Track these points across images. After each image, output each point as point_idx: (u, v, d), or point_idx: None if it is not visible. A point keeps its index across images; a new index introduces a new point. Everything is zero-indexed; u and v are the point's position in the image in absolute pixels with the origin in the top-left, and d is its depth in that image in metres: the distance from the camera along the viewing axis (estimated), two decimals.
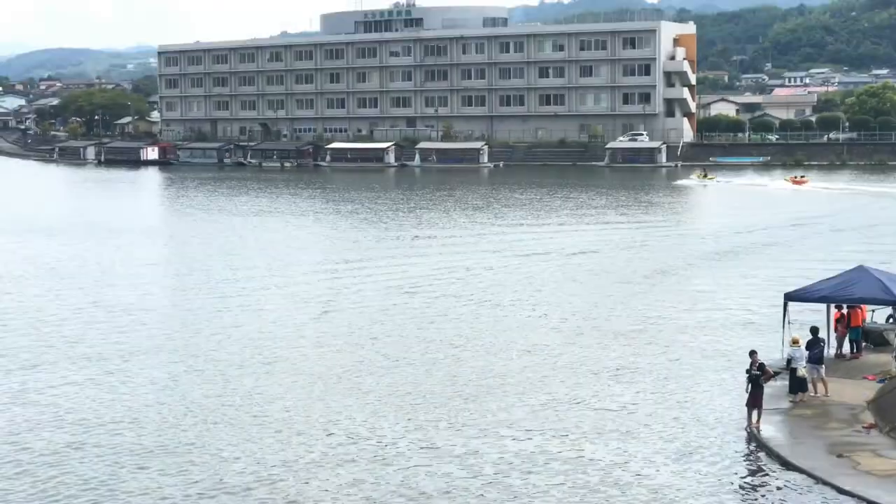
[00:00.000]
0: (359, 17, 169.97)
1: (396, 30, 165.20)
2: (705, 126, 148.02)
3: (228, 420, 28.75)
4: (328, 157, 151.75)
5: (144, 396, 31.21)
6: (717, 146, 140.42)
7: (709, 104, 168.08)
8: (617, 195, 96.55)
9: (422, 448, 26.22)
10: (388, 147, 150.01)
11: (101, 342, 38.13)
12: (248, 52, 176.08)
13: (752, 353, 27.38)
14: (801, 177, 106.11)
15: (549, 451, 25.87)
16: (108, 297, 47.53)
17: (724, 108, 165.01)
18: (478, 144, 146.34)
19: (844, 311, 33.26)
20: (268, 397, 30.86)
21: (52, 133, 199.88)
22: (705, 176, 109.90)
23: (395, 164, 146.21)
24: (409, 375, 33.10)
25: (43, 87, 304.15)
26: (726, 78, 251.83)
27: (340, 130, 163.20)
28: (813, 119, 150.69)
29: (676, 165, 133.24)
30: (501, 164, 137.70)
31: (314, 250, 63.20)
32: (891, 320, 35.69)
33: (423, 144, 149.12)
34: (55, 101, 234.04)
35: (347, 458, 25.63)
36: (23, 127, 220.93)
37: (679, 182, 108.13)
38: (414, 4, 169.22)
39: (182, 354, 36.24)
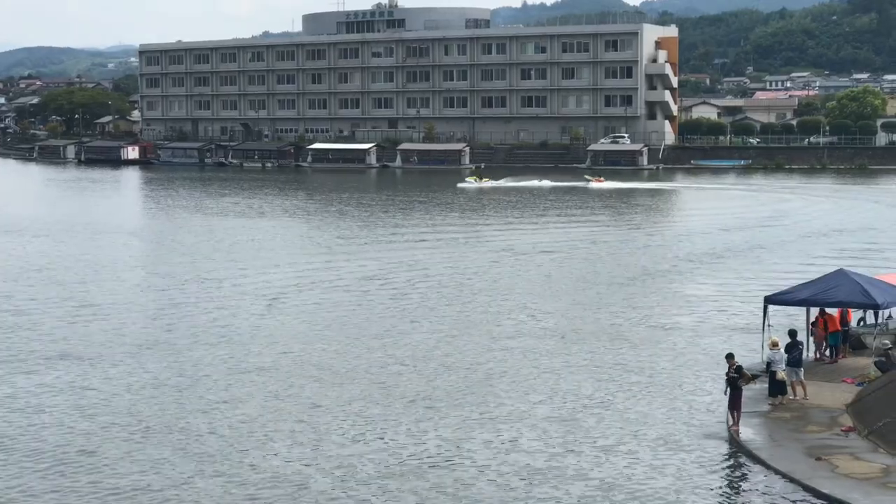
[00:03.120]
0: (341, 17, 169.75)
1: (378, 31, 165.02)
2: (687, 129, 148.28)
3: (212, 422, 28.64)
4: (310, 158, 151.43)
5: (120, 396, 31.05)
6: (698, 149, 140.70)
7: (690, 107, 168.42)
8: (599, 197, 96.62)
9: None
10: (369, 148, 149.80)
11: (82, 342, 37.92)
12: (229, 51, 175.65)
13: (729, 357, 27.42)
14: (599, 178, 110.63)
15: (523, 450, 25.82)
16: (88, 296, 47.30)
17: (705, 112, 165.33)
18: (459, 146, 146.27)
19: (834, 313, 33.28)
20: (241, 395, 30.77)
21: (32, 132, 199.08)
22: (480, 178, 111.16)
23: (377, 165, 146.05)
24: (404, 376, 33.06)
25: (23, 86, 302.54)
26: (708, 81, 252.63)
27: (322, 131, 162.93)
28: (794, 123, 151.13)
29: (658, 168, 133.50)
30: (483, 165, 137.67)
31: (292, 250, 63.04)
32: (861, 323, 35.77)
33: (404, 146, 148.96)
34: (35, 100, 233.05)
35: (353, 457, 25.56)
36: (2, 125, 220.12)
37: (460, 185, 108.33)
38: (396, 5, 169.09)
39: (160, 353, 36.08)
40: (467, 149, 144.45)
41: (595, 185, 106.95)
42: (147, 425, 28.27)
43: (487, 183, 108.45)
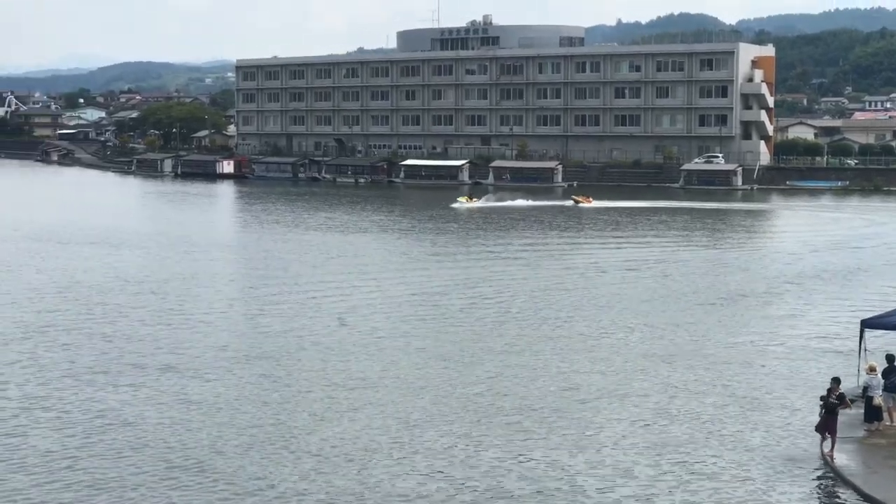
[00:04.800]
0: (435, 34, 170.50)
1: (473, 48, 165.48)
2: (782, 149, 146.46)
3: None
4: (402, 174, 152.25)
5: (223, 410, 31.50)
6: (794, 170, 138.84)
7: (786, 127, 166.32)
8: (693, 217, 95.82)
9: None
10: (462, 165, 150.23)
11: (177, 355, 38.52)
12: (324, 67, 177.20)
13: (835, 381, 27.01)
14: (587, 197, 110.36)
15: (618, 468, 25.77)
16: (186, 309, 48.04)
17: (802, 132, 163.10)
18: (552, 164, 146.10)
19: None
20: (343, 408, 31.05)
21: (131, 145, 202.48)
22: (471, 198, 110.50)
23: (469, 181, 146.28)
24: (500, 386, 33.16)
25: (123, 100, 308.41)
26: (805, 101, 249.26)
27: (415, 147, 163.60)
28: (893, 144, 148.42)
29: (752, 188, 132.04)
30: (575, 183, 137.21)
31: (387, 264, 63.33)
32: None
33: (497, 163, 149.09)
34: (134, 114, 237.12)
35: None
36: (102, 139, 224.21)
37: (453, 205, 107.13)
38: (491, 23, 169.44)
39: (259, 366, 36.52)
40: (560, 167, 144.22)
41: (585, 205, 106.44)
42: (251, 440, 28.60)
43: (476, 203, 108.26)
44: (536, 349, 39.56)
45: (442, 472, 26.07)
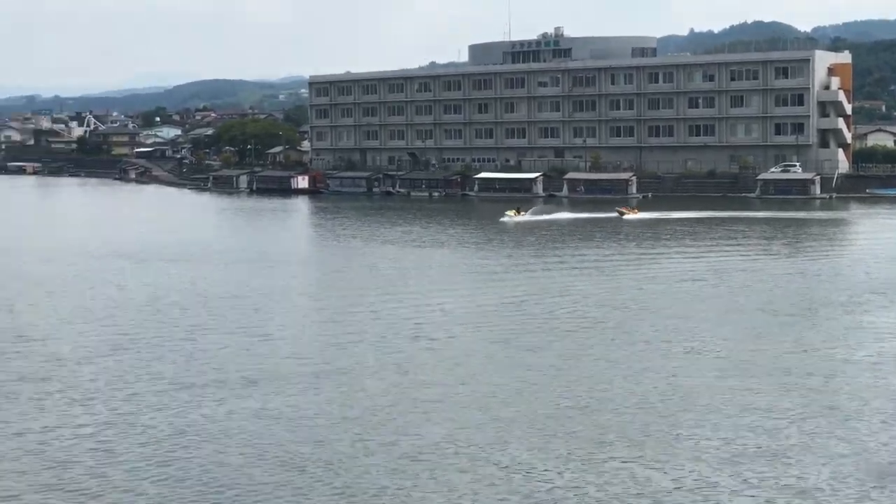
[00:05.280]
0: (507, 47, 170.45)
1: (545, 60, 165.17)
2: (861, 157, 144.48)
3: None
4: (476, 188, 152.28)
5: (306, 427, 31.62)
6: (873, 177, 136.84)
7: (865, 135, 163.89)
8: (771, 226, 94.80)
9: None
10: (535, 177, 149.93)
11: (257, 370, 38.76)
12: (397, 82, 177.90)
13: None
14: (633, 209, 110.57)
15: (702, 482, 25.49)
16: (263, 324, 48.37)
17: (881, 139, 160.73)
18: (626, 175, 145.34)
19: None
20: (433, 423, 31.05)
21: (207, 162, 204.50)
22: (518, 212, 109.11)
23: (543, 194, 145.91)
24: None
25: (198, 118, 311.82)
26: (883, 108, 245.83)
27: (488, 160, 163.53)
28: None
29: (831, 197, 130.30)
30: (650, 194, 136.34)
31: (464, 278, 63.29)
32: None
33: (571, 175, 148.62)
34: (210, 131, 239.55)
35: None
36: (179, 156, 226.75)
37: (502, 219, 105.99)
38: (562, 35, 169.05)
39: (337, 381, 36.64)
40: (634, 178, 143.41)
41: (630, 216, 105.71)
42: (331, 455, 28.67)
43: (524, 216, 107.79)
44: (616, 360, 39.29)
45: (523, 486, 25.94)
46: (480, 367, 38.88)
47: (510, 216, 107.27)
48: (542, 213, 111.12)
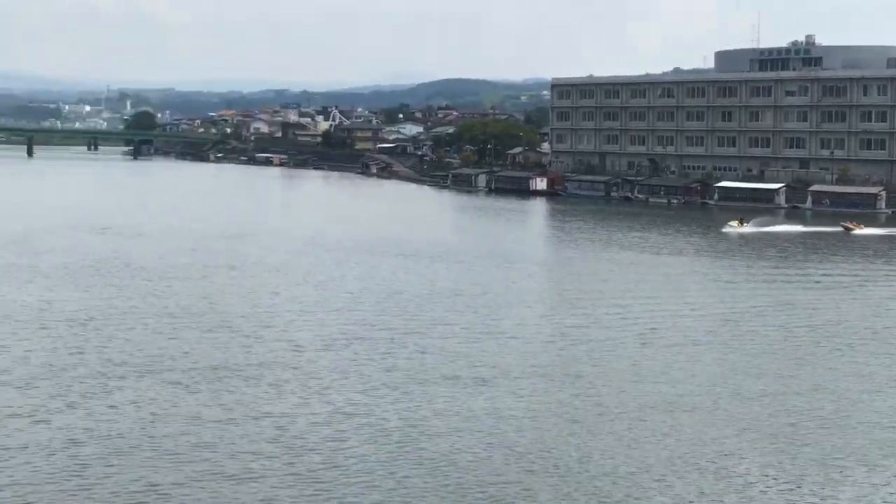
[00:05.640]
0: (754, 54, 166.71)
1: (793, 68, 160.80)
2: None
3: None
4: (716, 196, 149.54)
5: (530, 428, 31.64)
6: None
7: None
8: None
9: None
10: (778, 188, 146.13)
11: (489, 368, 38.97)
12: (639, 87, 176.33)
13: None
14: (858, 224, 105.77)
15: None
16: (496, 322, 48.65)
17: None
18: (875, 189, 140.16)
19: None
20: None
21: (447, 160, 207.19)
22: (742, 223, 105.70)
23: (786, 206, 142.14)
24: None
25: (440, 116, 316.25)
26: None
27: (729, 169, 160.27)
28: None
29: None
30: None
31: (702, 288, 62.22)
32: None
33: (816, 187, 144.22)
34: (451, 129, 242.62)
35: None
36: (419, 153, 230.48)
37: (724, 230, 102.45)
38: (813, 43, 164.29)
39: (565, 383, 36.54)
40: (884, 193, 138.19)
41: (857, 231, 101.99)
42: (559, 461, 28.59)
43: (747, 228, 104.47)
44: (851, 383, 37.90)
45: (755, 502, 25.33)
46: (715, 375, 38.12)
47: (733, 227, 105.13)
48: (765, 224, 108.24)
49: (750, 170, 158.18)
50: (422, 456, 28.61)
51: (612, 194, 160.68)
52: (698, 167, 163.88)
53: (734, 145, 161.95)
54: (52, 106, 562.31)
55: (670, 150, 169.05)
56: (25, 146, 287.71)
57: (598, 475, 27.32)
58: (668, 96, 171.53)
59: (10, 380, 34.83)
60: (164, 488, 25.47)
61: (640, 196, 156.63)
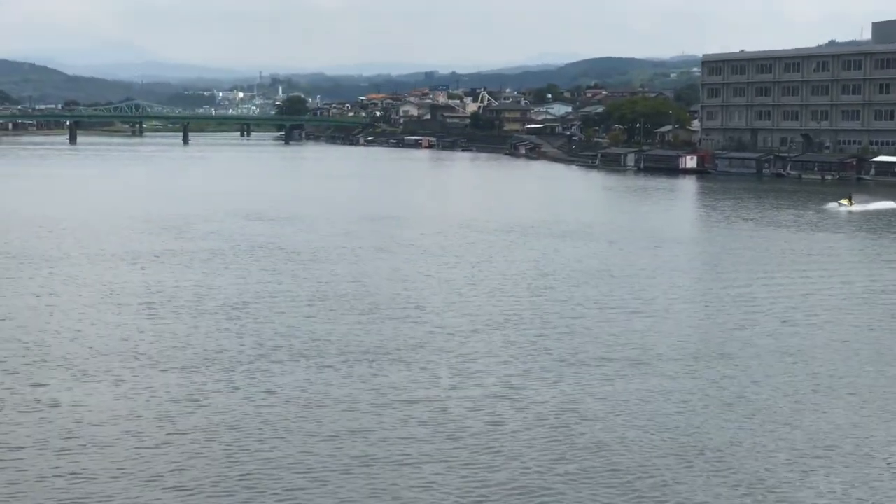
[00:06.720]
0: None
1: None
2: None
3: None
4: (873, 171, 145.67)
5: (678, 412, 31.34)
6: None
7: None
8: None
9: None
10: None
11: (641, 350, 38.68)
12: (792, 61, 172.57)
13: None
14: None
15: None
16: (642, 301, 48.22)
17: None
18: None
19: None
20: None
21: (596, 139, 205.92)
22: (850, 200, 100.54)
23: None
24: None
25: (589, 95, 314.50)
26: None
27: (887, 143, 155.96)
28: None
29: None
30: None
31: (857, 265, 60.77)
32: None
33: None
34: (599, 109, 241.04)
35: None
36: (568, 133, 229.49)
37: (826, 206, 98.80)
38: None
39: (715, 364, 36.09)
40: None
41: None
42: (710, 443, 28.27)
43: (855, 206, 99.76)
44: None
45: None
46: (873, 355, 37.23)
47: (844, 204, 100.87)
48: (869, 202, 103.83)
49: None
50: (577, 440, 28.52)
51: (764, 171, 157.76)
52: (854, 142, 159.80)
53: (892, 119, 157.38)
54: (206, 93, 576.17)
55: (824, 124, 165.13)
56: (181, 134, 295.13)
57: (752, 459, 26.87)
58: (823, 70, 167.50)
59: (170, 365, 35.75)
60: (319, 473, 25.84)
61: (792, 173, 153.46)
